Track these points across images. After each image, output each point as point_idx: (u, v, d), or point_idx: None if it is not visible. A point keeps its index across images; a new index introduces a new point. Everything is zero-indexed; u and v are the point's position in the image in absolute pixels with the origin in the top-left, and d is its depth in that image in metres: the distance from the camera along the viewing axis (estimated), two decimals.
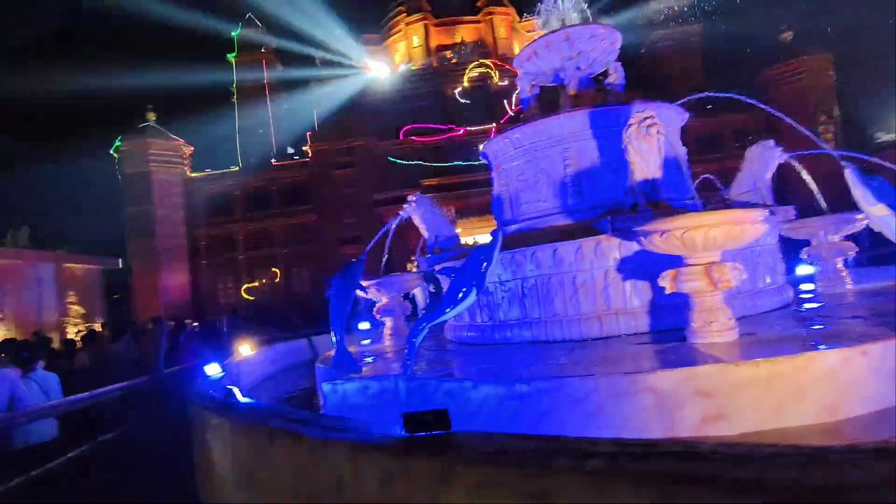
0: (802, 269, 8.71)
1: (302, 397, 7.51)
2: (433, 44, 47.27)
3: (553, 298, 6.54)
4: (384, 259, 9.20)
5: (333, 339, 6.42)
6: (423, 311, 9.23)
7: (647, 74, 43.58)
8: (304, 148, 42.95)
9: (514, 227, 7.80)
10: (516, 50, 42.09)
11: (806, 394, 3.87)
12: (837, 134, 38.11)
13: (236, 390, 4.94)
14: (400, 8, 48.75)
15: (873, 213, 6.12)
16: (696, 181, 8.04)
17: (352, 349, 6.97)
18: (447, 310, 5.50)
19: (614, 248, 6.22)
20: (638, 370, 4.20)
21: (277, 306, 34.26)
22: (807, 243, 8.04)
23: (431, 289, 9.38)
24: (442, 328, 8.39)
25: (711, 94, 8.93)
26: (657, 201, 5.93)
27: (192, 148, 44.54)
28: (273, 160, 45.03)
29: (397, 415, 2.55)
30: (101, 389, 6.89)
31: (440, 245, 8.52)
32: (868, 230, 7.43)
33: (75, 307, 23.02)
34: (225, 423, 4.14)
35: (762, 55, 41.72)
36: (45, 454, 6.09)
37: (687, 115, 7.98)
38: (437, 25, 47.78)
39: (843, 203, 7.35)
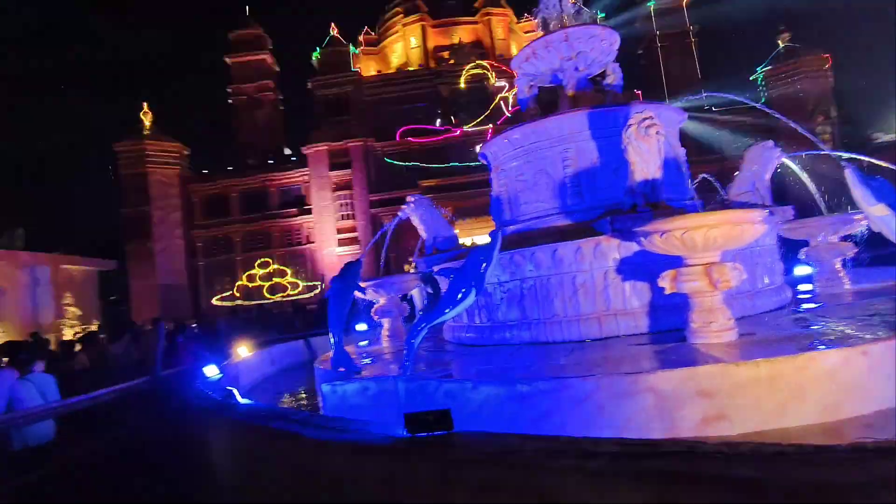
0: (800, 270, 8.72)
1: (301, 398, 7.50)
2: (430, 45, 47.28)
3: (552, 299, 6.54)
4: (382, 260, 9.21)
5: (332, 340, 6.41)
6: (421, 313, 9.23)
7: (644, 75, 43.73)
8: (301, 148, 42.94)
9: (513, 227, 7.79)
10: (514, 51, 42.15)
11: (806, 394, 3.87)
12: (835, 135, 38.20)
13: (236, 391, 4.94)
14: (397, 9, 48.75)
15: (873, 213, 6.13)
16: (695, 181, 8.06)
17: (350, 350, 6.96)
18: (446, 310, 5.49)
19: (614, 249, 6.22)
20: (638, 370, 4.20)
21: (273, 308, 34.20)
22: (805, 244, 8.05)
23: (429, 290, 9.38)
24: (440, 329, 8.38)
25: (710, 94, 8.94)
26: (657, 202, 5.93)
27: (189, 149, 44.52)
28: (270, 161, 44.99)
29: (397, 416, 2.55)
30: (100, 391, 6.86)
31: (439, 246, 8.52)
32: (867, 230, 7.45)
33: (71, 309, 22.93)
34: (225, 423, 4.13)
35: (760, 55, 41.86)
36: (43, 456, 6.08)
37: (685, 115, 7.99)
38: (434, 26, 47.78)
39: (841, 203, 7.37)
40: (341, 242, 40.12)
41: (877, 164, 6.97)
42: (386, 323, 8.56)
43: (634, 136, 5.92)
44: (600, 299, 6.32)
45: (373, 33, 50.42)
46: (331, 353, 6.57)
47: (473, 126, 41.13)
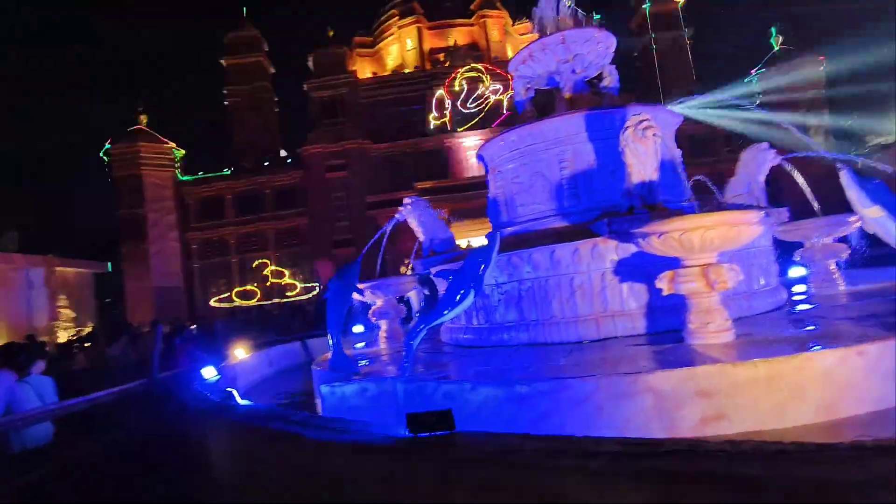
0: (795, 271, 8.76)
1: (299, 399, 7.50)
2: (426, 47, 47.20)
3: (550, 300, 6.56)
4: (379, 262, 9.21)
5: (330, 341, 6.41)
6: (418, 314, 9.24)
7: (639, 77, 43.85)
8: (297, 150, 42.88)
9: (510, 229, 7.81)
10: (509, 53, 42.22)
11: (804, 394, 3.90)
12: (829, 137, 38.35)
13: (235, 393, 4.94)
14: (393, 11, 48.68)
15: (868, 214, 6.17)
16: (689, 183, 8.08)
17: (347, 352, 6.96)
18: (445, 312, 5.50)
19: (611, 250, 6.24)
20: (637, 371, 4.22)
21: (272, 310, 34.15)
22: (799, 245, 8.10)
23: (426, 292, 9.39)
24: (437, 331, 8.39)
25: (705, 96, 8.98)
26: (654, 203, 5.96)
27: (184, 151, 44.41)
28: (265, 163, 44.91)
29: (396, 417, 2.57)
30: (97, 393, 6.85)
31: (436, 248, 8.53)
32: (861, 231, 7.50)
33: (66, 311, 22.86)
34: (225, 425, 4.14)
35: (754, 57, 42.01)
36: (42, 457, 6.07)
37: (681, 117, 8.03)
38: (429, 28, 47.71)
39: (835, 205, 7.40)
40: (337, 244, 40.05)
41: (872, 167, 7.02)
42: (383, 325, 8.56)
43: (631, 139, 5.96)
44: (598, 300, 6.34)
45: (367, 35, 50.33)
46: (329, 355, 6.57)
47: (468, 128, 41.14)
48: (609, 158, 6.87)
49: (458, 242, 9.09)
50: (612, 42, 8.17)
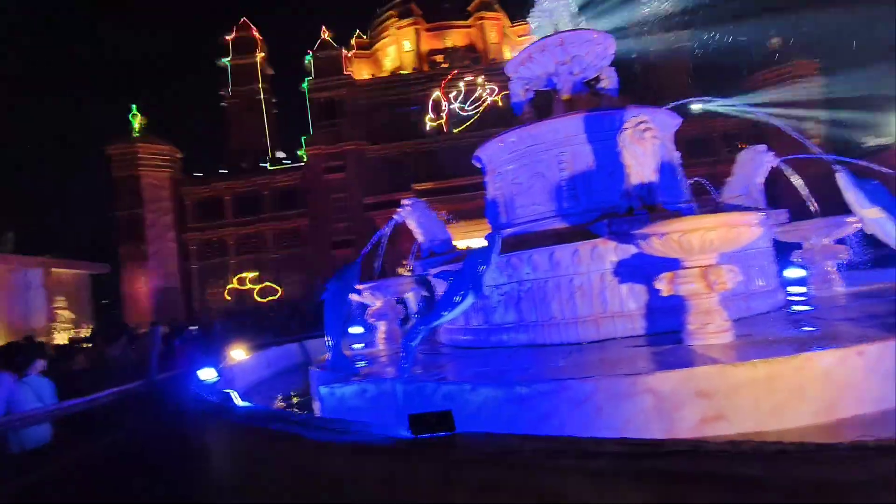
0: (793, 272, 8.77)
1: (298, 401, 7.49)
2: (424, 48, 47.22)
3: (549, 301, 6.55)
4: (378, 263, 9.20)
5: (329, 342, 6.41)
6: (416, 315, 9.22)
7: (638, 79, 43.85)
8: (295, 151, 42.86)
9: (509, 230, 7.81)
10: (507, 55, 42.24)
11: (804, 394, 3.91)
12: (827, 139, 38.41)
13: (234, 394, 4.93)
14: (390, 12, 48.68)
15: (868, 216, 6.18)
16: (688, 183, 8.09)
17: (345, 353, 6.96)
18: (444, 313, 5.51)
19: (610, 252, 6.25)
20: (637, 372, 4.22)
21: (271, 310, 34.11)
22: (797, 246, 8.11)
23: (424, 293, 9.37)
24: (436, 332, 8.38)
25: (703, 98, 8.98)
26: (653, 204, 5.97)
27: (182, 152, 44.33)
28: (264, 164, 44.87)
29: (395, 418, 2.57)
30: (96, 395, 6.84)
31: (435, 249, 8.53)
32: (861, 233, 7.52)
33: (64, 312, 22.84)
34: (224, 426, 4.13)
35: (751, 60, 42.09)
36: (41, 458, 6.06)
37: (680, 119, 8.03)
38: (427, 30, 47.72)
39: (834, 206, 7.42)
40: (337, 245, 40.02)
41: (869, 168, 7.03)
42: (382, 326, 8.55)
43: (630, 140, 5.96)
44: (597, 301, 6.34)
45: (365, 36, 50.31)
46: (327, 356, 6.57)
47: (465, 129, 41.15)
48: (608, 160, 6.87)
49: (456, 244, 9.08)
50: (610, 44, 8.18)
